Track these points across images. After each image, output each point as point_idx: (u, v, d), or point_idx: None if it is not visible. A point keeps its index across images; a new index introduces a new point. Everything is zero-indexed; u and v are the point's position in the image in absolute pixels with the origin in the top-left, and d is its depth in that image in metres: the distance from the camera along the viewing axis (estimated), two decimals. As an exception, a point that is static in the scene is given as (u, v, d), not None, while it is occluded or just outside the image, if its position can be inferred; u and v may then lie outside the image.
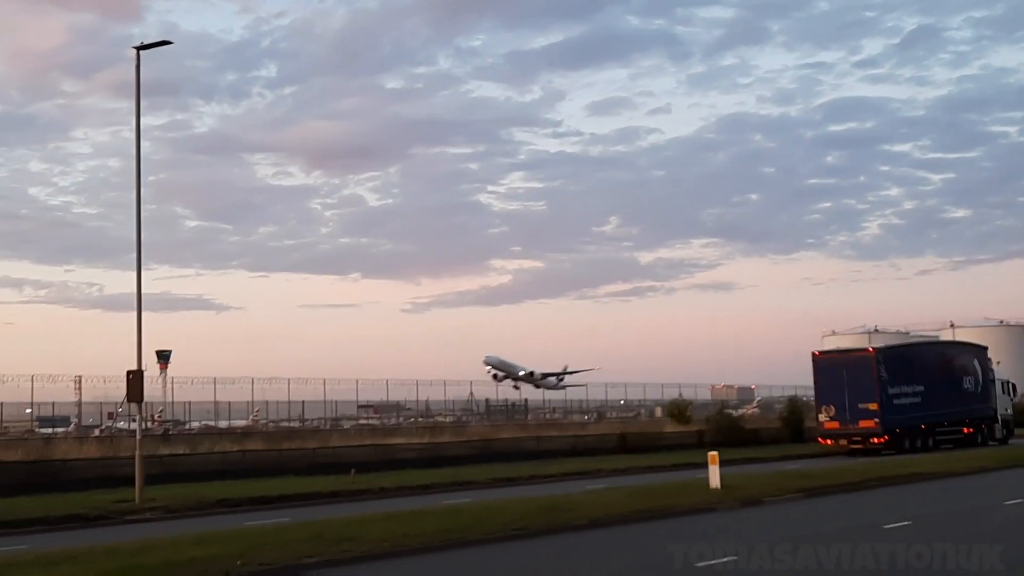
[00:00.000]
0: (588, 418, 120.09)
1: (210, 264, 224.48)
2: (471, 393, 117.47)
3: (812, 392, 76.23)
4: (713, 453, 38.33)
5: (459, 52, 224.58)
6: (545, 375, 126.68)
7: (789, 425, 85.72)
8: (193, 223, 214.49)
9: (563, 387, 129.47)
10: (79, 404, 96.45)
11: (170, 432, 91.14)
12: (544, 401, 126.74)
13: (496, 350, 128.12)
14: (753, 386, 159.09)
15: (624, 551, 22.94)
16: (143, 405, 44.29)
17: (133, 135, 42.83)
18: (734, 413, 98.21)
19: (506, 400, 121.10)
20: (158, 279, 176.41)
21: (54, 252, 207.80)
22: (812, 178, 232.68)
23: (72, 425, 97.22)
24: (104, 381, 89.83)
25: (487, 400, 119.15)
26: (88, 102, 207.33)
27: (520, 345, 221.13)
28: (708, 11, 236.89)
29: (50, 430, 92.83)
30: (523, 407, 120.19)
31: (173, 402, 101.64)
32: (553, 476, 51.23)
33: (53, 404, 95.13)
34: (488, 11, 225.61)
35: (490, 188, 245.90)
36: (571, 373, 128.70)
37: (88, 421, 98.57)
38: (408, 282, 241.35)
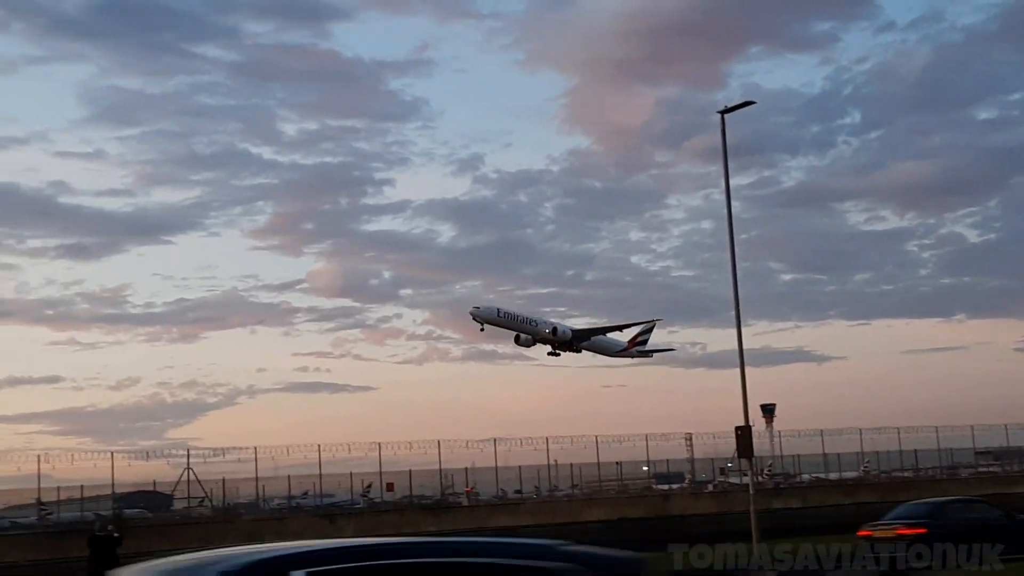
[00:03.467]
0: None
1: (807, 315, 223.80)
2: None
3: None
4: None
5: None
6: (587, 331, 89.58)
7: None
8: (787, 276, 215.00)
9: (644, 353, 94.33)
10: (691, 460, 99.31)
11: (781, 485, 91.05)
12: None
13: None
14: None
15: None
16: (753, 459, 44.35)
17: (723, 196, 43.60)
18: None
19: None
20: (757, 334, 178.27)
21: (657, 315, 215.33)
22: None
23: (686, 481, 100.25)
24: (713, 437, 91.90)
25: None
26: (679, 170, 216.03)
27: None
28: None
29: (666, 486, 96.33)
30: None
31: (781, 455, 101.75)
32: None
33: (667, 461, 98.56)
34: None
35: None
36: (644, 323, 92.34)
37: (701, 477, 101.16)
38: (1021, 320, 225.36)
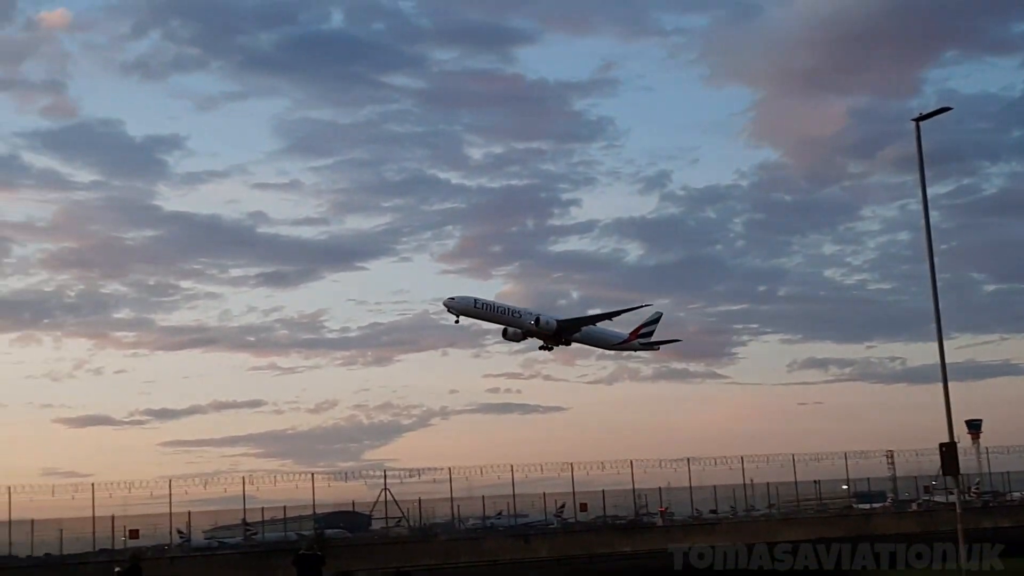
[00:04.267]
0: None
1: (1014, 327, 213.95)
2: None
3: None
4: None
5: None
6: (575, 321, 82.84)
7: None
8: (991, 287, 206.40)
9: (649, 345, 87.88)
10: (893, 479, 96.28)
11: (990, 504, 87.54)
12: None
13: None
14: None
15: None
16: (959, 477, 42.61)
17: (920, 206, 42.13)
18: None
19: None
20: (960, 347, 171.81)
21: (854, 330, 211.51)
22: None
23: (888, 500, 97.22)
24: (916, 455, 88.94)
25: None
26: (873, 180, 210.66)
27: None
28: None
29: (867, 505, 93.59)
30: None
31: (990, 472, 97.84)
32: None
33: (868, 480, 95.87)
34: None
35: None
36: (633, 308, 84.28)
37: (904, 495, 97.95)
38: None
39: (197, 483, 76.99)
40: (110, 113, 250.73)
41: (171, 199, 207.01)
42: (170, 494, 73.33)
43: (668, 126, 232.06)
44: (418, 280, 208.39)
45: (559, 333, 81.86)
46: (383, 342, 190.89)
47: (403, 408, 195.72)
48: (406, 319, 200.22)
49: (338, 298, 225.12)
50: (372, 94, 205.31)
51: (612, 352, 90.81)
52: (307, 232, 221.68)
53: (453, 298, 78.91)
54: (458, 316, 78.47)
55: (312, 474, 77.50)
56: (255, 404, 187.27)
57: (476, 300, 79.78)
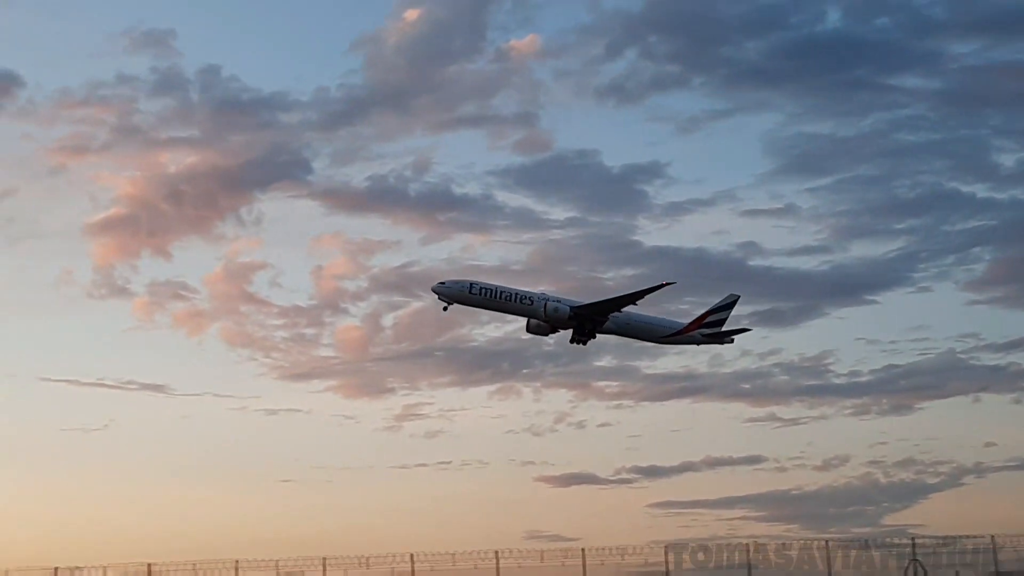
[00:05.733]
0: None
1: None
2: None
3: None
4: None
5: None
6: (594, 307, 72.02)
7: None
8: None
9: (716, 337, 77.51)
10: None
11: None
12: None
13: None
14: None
15: None
16: None
17: None
18: None
19: None
20: None
21: None
22: None
23: None
24: None
25: None
26: None
27: None
28: None
29: None
30: None
31: None
32: None
33: None
34: None
35: None
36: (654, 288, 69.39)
37: None
38: None
39: (694, 550, 71.81)
40: (585, 143, 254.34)
41: (652, 233, 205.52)
42: (666, 562, 69.36)
43: None
44: (941, 313, 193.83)
45: (580, 322, 74.81)
46: (900, 387, 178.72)
47: (928, 464, 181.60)
48: (927, 360, 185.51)
49: (845, 337, 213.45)
50: (878, 100, 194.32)
51: None
52: (806, 263, 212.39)
53: (443, 283, 74.09)
54: (448, 304, 74.23)
55: (826, 542, 72.46)
56: (753, 460, 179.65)
57: (473, 284, 74.28)
